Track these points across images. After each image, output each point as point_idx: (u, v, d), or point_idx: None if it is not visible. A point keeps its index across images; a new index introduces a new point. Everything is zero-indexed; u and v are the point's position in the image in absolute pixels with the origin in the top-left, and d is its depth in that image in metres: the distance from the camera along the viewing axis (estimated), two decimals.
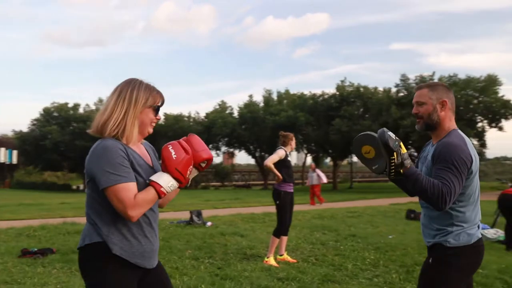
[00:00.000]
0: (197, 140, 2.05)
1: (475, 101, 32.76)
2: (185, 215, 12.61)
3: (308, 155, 46.26)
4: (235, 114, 46.95)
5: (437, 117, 2.45)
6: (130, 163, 1.93)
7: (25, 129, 51.10)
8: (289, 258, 6.38)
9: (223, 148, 49.83)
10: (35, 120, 50.59)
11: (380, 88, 36.76)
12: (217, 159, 60.53)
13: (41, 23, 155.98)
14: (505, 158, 69.37)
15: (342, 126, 33.48)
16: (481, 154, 34.05)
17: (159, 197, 1.93)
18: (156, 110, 2.06)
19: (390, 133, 2.36)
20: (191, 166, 1.99)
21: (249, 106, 44.33)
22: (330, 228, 9.43)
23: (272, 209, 14.79)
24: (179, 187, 1.98)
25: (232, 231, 8.71)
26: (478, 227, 2.44)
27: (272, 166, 6.22)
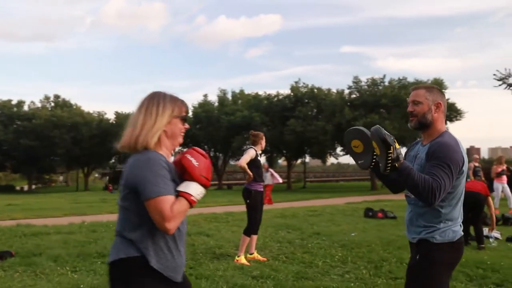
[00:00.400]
0: (203, 152, 2.03)
1: None
2: None
3: (262, 155, 46.56)
4: (189, 113, 46.52)
5: (431, 117, 2.54)
6: (170, 176, 1.91)
7: None
8: (259, 257, 6.40)
9: (177, 148, 49.24)
10: None
11: (334, 90, 37.60)
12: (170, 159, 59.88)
13: None
14: None
15: (297, 127, 33.93)
16: None
17: (191, 206, 1.91)
18: (183, 119, 2.05)
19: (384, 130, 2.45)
20: (210, 171, 1.99)
21: (204, 106, 44.02)
22: (294, 227, 9.53)
23: (233, 208, 14.91)
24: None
25: (197, 231, 8.62)
26: (460, 225, 2.54)
27: (246, 166, 6.22)
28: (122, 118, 48.67)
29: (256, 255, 6.42)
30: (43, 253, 6.39)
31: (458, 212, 2.51)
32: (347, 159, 61.60)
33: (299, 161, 47.63)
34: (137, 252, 1.89)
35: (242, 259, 6.14)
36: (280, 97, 39.96)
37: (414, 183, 2.31)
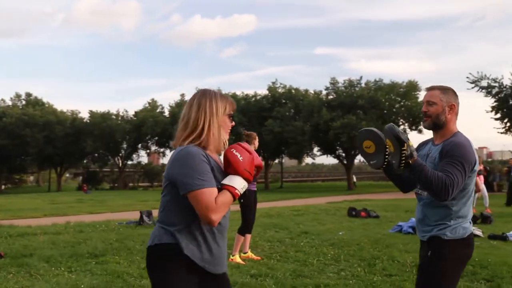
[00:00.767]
0: (248, 147, 2.07)
1: (398, 105, 34.87)
2: (127, 215, 12.26)
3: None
4: (166, 113, 46.15)
5: (444, 118, 2.60)
6: (211, 169, 1.95)
7: None
8: (253, 256, 6.45)
9: (153, 148, 48.80)
10: None
11: (311, 91, 37.95)
12: (147, 159, 59.25)
13: None
14: None
15: (275, 127, 34.10)
16: None
17: (234, 199, 1.95)
18: (231, 117, 2.12)
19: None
20: (253, 166, 2.02)
21: (181, 105, 43.72)
22: (281, 226, 9.62)
23: None
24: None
25: None
26: (470, 222, 2.63)
27: None
28: (96, 117, 47.89)
29: (250, 254, 6.47)
30: (34, 253, 6.28)
31: (468, 210, 2.58)
32: (322, 160, 62.24)
33: (276, 161, 47.87)
34: (172, 240, 1.94)
35: (237, 258, 6.18)
36: (258, 97, 40.06)
37: (427, 179, 2.38)
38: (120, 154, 50.10)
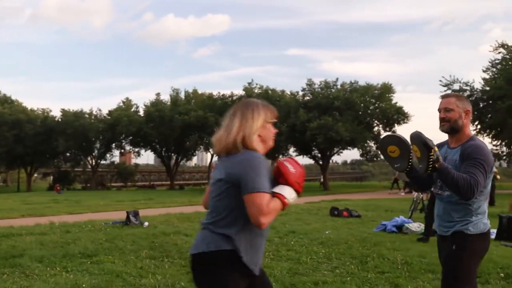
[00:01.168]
0: (299, 162, 2.19)
1: (372, 107, 35.50)
2: (110, 216, 12.12)
3: (215, 155, 46.45)
4: (141, 112, 45.62)
5: (461, 123, 2.81)
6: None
7: None
8: None
9: (128, 147, 48.17)
10: None
11: (288, 92, 38.20)
12: (118, 158, 58.36)
13: None
14: None
15: None
16: (376, 156, 36.97)
17: (283, 208, 2.03)
18: (274, 124, 2.21)
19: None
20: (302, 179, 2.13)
21: (157, 105, 43.35)
22: None
23: (195, 208, 14.84)
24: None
25: (173, 231, 8.59)
26: (487, 218, 2.86)
27: None
28: (69, 116, 46.88)
29: None
30: (24, 254, 6.18)
31: (485, 207, 2.82)
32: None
33: None
34: (229, 246, 1.99)
35: None
36: (234, 97, 40.04)
37: (454, 181, 2.58)
38: (93, 154, 49.22)
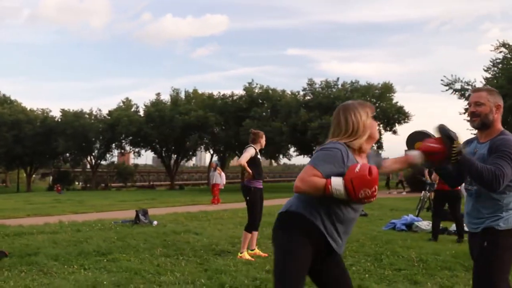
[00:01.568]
0: (375, 170, 2.22)
1: None
2: (116, 215, 12.11)
3: (214, 155, 46.47)
4: (141, 112, 45.60)
5: (492, 117, 2.77)
6: (343, 163, 2.22)
7: None
8: (260, 253, 6.51)
9: (128, 148, 48.14)
10: None
11: (288, 91, 38.24)
12: (117, 159, 58.28)
13: None
14: None
15: (253, 127, 34.09)
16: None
17: (325, 191, 2.15)
18: (374, 118, 2.42)
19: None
20: (368, 189, 2.16)
21: (157, 105, 43.31)
22: None
23: (200, 208, 14.86)
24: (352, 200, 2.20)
25: (183, 229, 8.59)
26: None
27: (246, 165, 6.32)
28: (69, 116, 46.81)
29: (257, 251, 6.53)
30: (38, 252, 6.16)
31: None
32: (294, 160, 62.65)
33: None
34: (305, 211, 2.27)
35: (245, 255, 6.23)
36: (235, 97, 40.07)
37: (478, 171, 2.58)
38: (93, 154, 49.16)
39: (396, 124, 35.48)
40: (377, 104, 35.32)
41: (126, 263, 5.55)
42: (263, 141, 6.73)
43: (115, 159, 55.50)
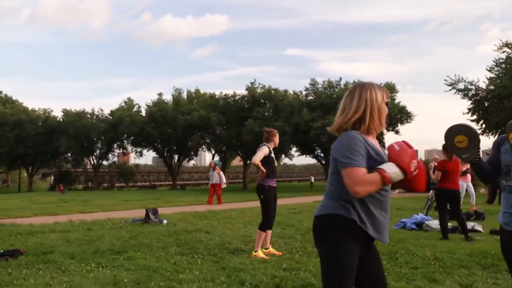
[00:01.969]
0: (409, 144, 2.27)
1: None
2: (124, 214, 12.11)
3: (216, 155, 46.44)
4: (143, 112, 45.60)
5: None
6: (367, 152, 2.20)
7: None
8: (274, 251, 6.51)
9: (129, 147, 48.16)
10: None
11: (290, 91, 38.24)
12: (120, 159, 58.29)
13: None
14: None
15: (255, 127, 34.16)
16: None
17: (383, 181, 2.13)
18: (387, 104, 2.36)
19: None
20: (415, 160, 2.20)
21: (159, 105, 43.30)
22: (285, 224, 9.70)
23: (214, 207, 14.88)
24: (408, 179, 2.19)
25: (194, 228, 8.59)
26: None
27: (260, 164, 6.32)
28: (71, 116, 46.81)
29: (271, 249, 6.53)
30: (53, 251, 6.17)
31: None
32: (295, 160, 62.73)
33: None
34: (344, 212, 2.22)
35: (260, 254, 6.23)
36: (237, 97, 40.08)
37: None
38: (95, 154, 49.16)
39: (399, 124, 35.48)
40: None
41: (142, 261, 5.55)
42: (276, 139, 6.74)
43: (116, 159, 55.55)
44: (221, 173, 18.08)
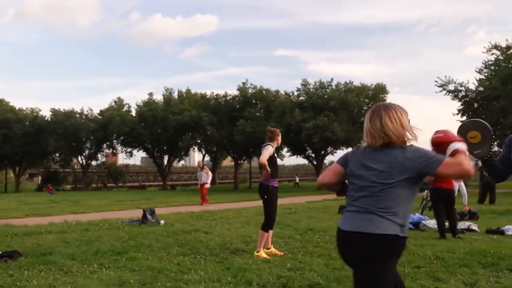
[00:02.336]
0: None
1: (366, 107, 35.73)
2: (118, 215, 12.02)
3: (206, 155, 46.31)
4: (133, 112, 45.32)
5: None
6: None
7: None
8: (276, 251, 6.49)
9: (119, 148, 47.80)
10: None
11: (282, 92, 38.29)
12: (108, 159, 57.86)
13: None
14: None
15: (247, 127, 34.14)
16: None
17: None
18: None
19: None
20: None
21: (149, 105, 43.05)
22: (282, 224, 9.68)
23: (208, 207, 14.82)
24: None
25: (192, 229, 8.55)
26: None
27: (267, 163, 6.30)
28: (59, 116, 46.33)
29: (273, 249, 6.52)
30: (53, 251, 6.09)
31: None
32: (286, 160, 62.78)
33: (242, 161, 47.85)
34: (397, 231, 2.20)
35: (262, 254, 6.21)
36: (228, 97, 40.02)
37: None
38: (84, 154, 48.71)
39: None
40: (370, 105, 35.53)
41: (145, 262, 5.51)
42: (279, 138, 6.72)
43: (104, 159, 55.13)
44: (209, 173, 17.90)
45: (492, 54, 27.26)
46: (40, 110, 50.32)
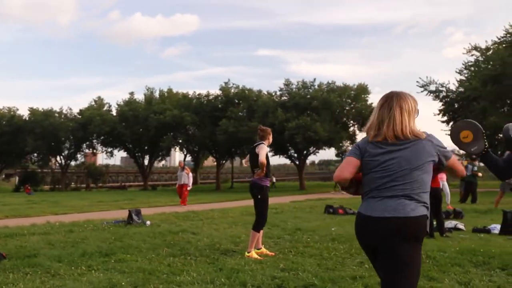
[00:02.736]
0: None
1: (348, 107, 35.97)
2: (102, 215, 11.79)
3: (188, 155, 45.96)
4: (113, 111, 44.68)
5: None
6: None
7: None
8: (267, 252, 6.42)
9: (99, 147, 47.05)
10: None
11: (264, 92, 38.22)
12: (88, 159, 57.02)
13: None
14: None
15: (229, 127, 33.97)
16: None
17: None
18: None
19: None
20: None
21: (130, 104, 42.51)
22: (270, 224, 9.54)
23: (192, 207, 14.65)
24: None
25: (179, 229, 8.42)
26: None
27: (265, 162, 6.25)
28: (37, 115, 45.34)
29: (264, 249, 6.45)
30: (38, 254, 5.91)
31: None
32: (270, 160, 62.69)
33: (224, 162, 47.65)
34: (425, 211, 2.36)
35: (253, 254, 6.13)
36: (210, 97, 39.79)
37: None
38: (63, 154, 47.81)
39: None
40: (352, 105, 35.78)
41: (135, 264, 5.38)
42: (271, 137, 6.67)
43: (83, 159, 54.25)
44: (190, 174, 17.64)
45: (472, 55, 27.75)
46: (17, 110, 49.12)
